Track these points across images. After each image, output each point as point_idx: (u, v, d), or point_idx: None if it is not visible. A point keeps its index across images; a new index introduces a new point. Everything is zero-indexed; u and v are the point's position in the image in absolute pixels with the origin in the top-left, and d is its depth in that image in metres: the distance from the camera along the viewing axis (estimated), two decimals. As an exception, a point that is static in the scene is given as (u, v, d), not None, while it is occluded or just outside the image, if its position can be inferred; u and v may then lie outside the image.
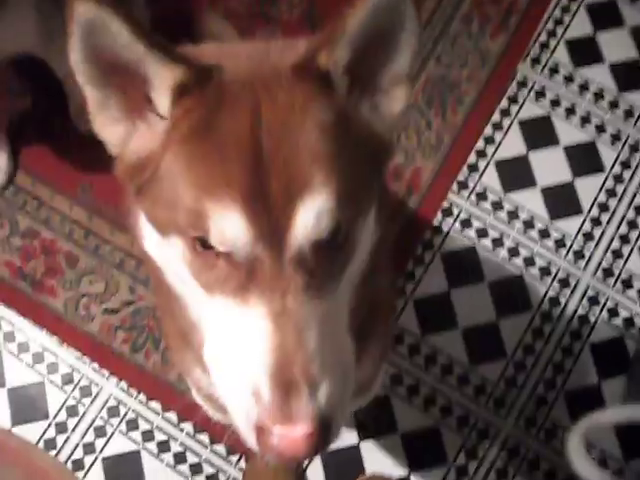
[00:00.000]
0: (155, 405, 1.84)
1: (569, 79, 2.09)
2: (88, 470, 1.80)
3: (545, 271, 1.94)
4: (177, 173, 0.65)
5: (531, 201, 1.99)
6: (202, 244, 0.64)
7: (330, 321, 0.66)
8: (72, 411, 1.84)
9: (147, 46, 0.64)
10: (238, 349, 0.65)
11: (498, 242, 1.96)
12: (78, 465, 1.80)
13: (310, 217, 0.62)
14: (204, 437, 1.82)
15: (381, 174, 0.76)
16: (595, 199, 2.00)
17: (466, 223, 1.97)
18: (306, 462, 1.81)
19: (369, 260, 0.74)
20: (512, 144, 2.04)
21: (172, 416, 1.83)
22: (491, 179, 2.01)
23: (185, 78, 0.66)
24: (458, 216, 1.97)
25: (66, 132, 2.00)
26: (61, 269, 1.93)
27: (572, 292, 1.93)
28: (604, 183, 2.01)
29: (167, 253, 0.70)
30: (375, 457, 1.82)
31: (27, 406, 1.84)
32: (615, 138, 2.04)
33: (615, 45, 2.11)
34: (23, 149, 2.01)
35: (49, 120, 2.03)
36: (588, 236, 1.97)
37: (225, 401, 0.69)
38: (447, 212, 1.98)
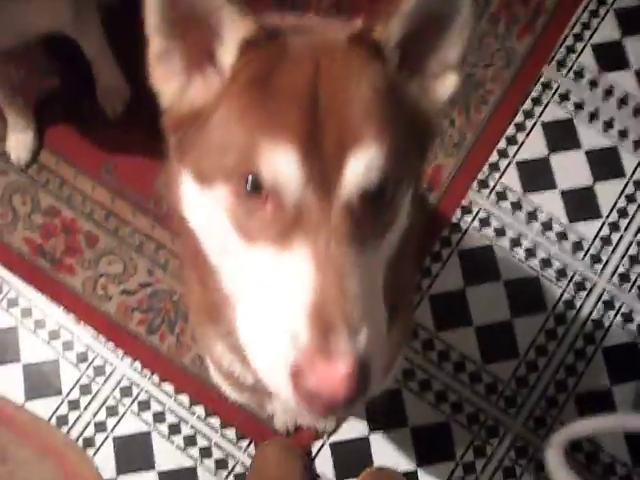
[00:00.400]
0: (168, 387, 1.85)
1: (594, 83, 2.09)
2: (99, 448, 1.82)
3: (561, 273, 1.95)
4: (232, 119, 0.67)
5: (550, 203, 2.00)
6: (250, 188, 0.65)
7: (370, 276, 0.66)
8: (85, 389, 1.85)
9: None
10: (277, 296, 0.64)
11: (516, 242, 1.96)
12: (89, 443, 1.82)
13: (360, 167, 0.64)
14: (215, 421, 1.83)
15: (424, 156, 0.78)
16: (614, 204, 2.00)
17: (485, 222, 1.98)
18: (315, 450, 1.82)
19: (402, 239, 0.75)
20: (534, 145, 2.04)
21: (184, 399, 1.84)
22: (511, 179, 2.01)
23: (255, 34, 0.68)
24: (477, 214, 1.98)
25: (92, 114, 2.03)
26: (80, 248, 1.94)
27: (587, 295, 1.93)
28: (624, 189, 2.01)
29: (208, 207, 0.70)
30: (384, 450, 1.83)
31: (41, 382, 1.86)
32: (637, 144, 2.04)
33: (642, 51, 2.11)
34: (49, 128, 2.03)
35: (76, 101, 2.05)
36: (606, 240, 1.97)
37: (258, 358, 0.66)
38: (466, 210, 1.98)
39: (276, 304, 0.64)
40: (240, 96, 0.68)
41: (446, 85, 0.75)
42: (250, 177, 0.65)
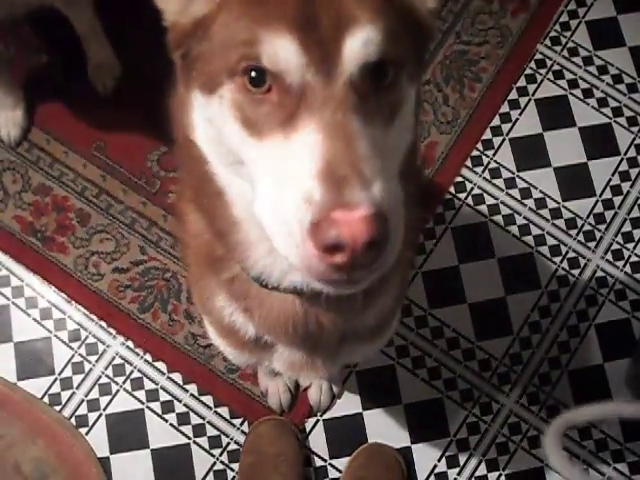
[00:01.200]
0: (161, 365, 1.84)
1: (588, 61, 2.08)
2: (92, 426, 1.81)
3: (555, 250, 1.94)
4: (232, 19, 0.70)
5: (544, 180, 1.99)
6: (252, 81, 0.68)
7: (380, 151, 0.66)
8: (78, 368, 1.84)
9: None
10: (289, 172, 0.65)
11: (510, 219, 1.96)
12: (82, 421, 1.81)
13: (358, 43, 0.66)
14: (208, 399, 1.83)
15: (422, 54, 0.80)
16: (608, 182, 2.00)
17: (479, 199, 1.97)
18: (309, 427, 1.82)
19: (408, 148, 0.77)
20: (528, 123, 2.04)
21: (177, 377, 1.84)
22: (505, 157, 2.01)
23: None
24: (471, 192, 1.97)
25: (82, 91, 2.00)
26: (72, 226, 1.93)
27: (581, 272, 1.94)
28: (618, 166, 2.01)
29: (215, 114, 0.72)
30: (378, 427, 1.83)
31: (33, 361, 1.85)
32: (632, 122, 2.04)
33: (636, 29, 2.11)
34: (39, 106, 2.01)
35: (66, 78, 2.03)
36: (599, 218, 1.97)
37: (276, 233, 0.66)
38: (460, 187, 1.98)
39: (289, 178, 0.64)
40: None
41: None
42: (252, 71, 0.67)
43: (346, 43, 0.66)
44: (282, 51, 0.65)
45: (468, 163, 1.99)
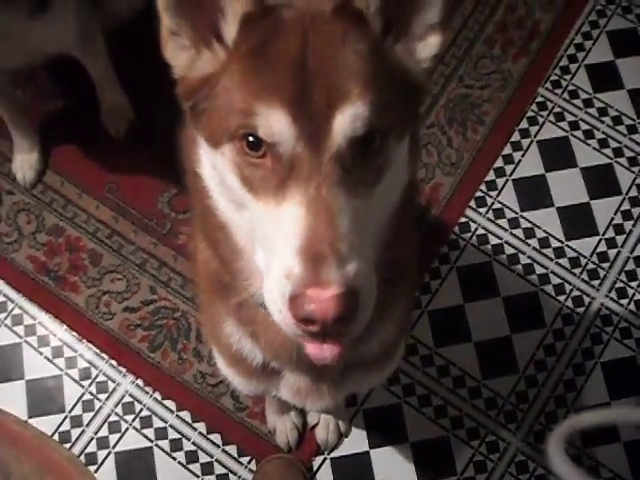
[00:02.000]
0: (170, 404, 1.86)
1: (589, 103, 2.13)
2: (101, 464, 1.82)
3: (560, 289, 1.97)
4: (233, 85, 0.75)
5: (548, 220, 2.03)
6: (250, 146, 0.73)
7: (361, 219, 0.72)
8: (88, 406, 1.87)
9: None
10: (276, 240, 0.71)
11: (514, 259, 1.99)
12: (91, 458, 1.83)
13: (346, 120, 0.71)
14: (216, 437, 1.84)
15: (414, 111, 0.85)
16: (611, 221, 2.03)
17: (483, 239, 2.00)
18: (316, 466, 1.83)
19: (401, 197, 0.82)
20: (530, 164, 2.08)
21: (186, 415, 1.85)
22: (509, 197, 2.05)
23: (253, 9, 0.76)
24: (475, 232, 2.01)
25: (96, 135, 2.07)
26: (84, 266, 1.97)
27: (585, 311, 1.95)
28: (620, 205, 2.04)
29: (218, 165, 0.78)
30: (385, 465, 1.83)
31: (44, 398, 1.87)
32: (632, 162, 2.08)
33: (634, 72, 2.16)
34: (54, 149, 2.07)
35: (80, 122, 2.10)
36: (603, 256, 2.00)
37: (266, 293, 0.73)
38: (465, 227, 2.01)
39: (275, 247, 0.71)
40: (240, 65, 0.75)
41: (429, 45, 0.81)
42: (250, 136, 0.73)
43: (335, 119, 0.71)
44: (276, 124, 0.71)
45: (472, 204, 2.03)
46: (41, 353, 1.91)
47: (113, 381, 1.88)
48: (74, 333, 1.91)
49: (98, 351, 1.90)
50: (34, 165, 2.02)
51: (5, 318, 1.93)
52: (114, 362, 1.89)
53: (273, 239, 0.72)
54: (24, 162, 2.02)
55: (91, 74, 1.92)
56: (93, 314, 1.93)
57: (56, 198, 2.03)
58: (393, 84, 0.77)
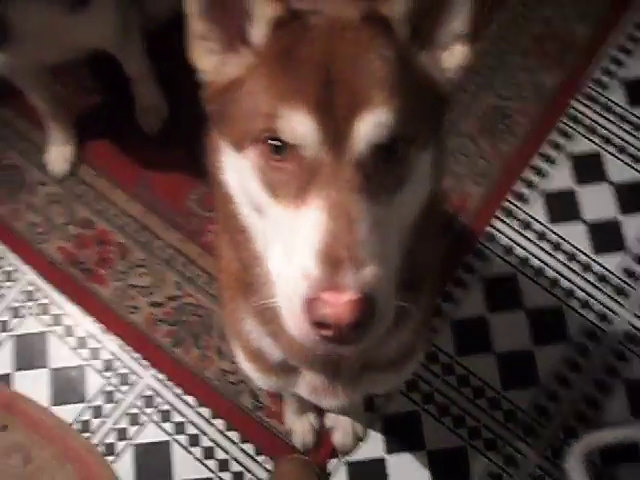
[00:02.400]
0: (190, 399, 1.88)
1: (622, 118, 2.11)
2: (119, 455, 1.85)
3: (585, 304, 1.95)
4: (259, 89, 0.76)
5: (575, 234, 2.01)
6: (273, 149, 0.74)
7: (382, 225, 0.72)
8: (109, 397, 1.89)
9: None
10: (296, 242, 0.71)
11: (540, 271, 1.98)
12: (110, 449, 1.85)
13: (369, 126, 0.72)
14: (234, 435, 1.85)
15: (439, 122, 0.85)
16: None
17: (509, 250, 1.99)
18: (331, 469, 1.83)
19: (424, 205, 0.82)
20: (561, 177, 2.07)
21: (205, 411, 1.87)
22: (537, 209, 2.04)
23: (282, 14, 0.77)
24: (502, 242, 2.00)
25: (130, 131, 2.10)
26: (112, 260, 2.00)
27: (610, 327, 1.93)
28: (650, 222, 2.02)
29: (241, 169, 0.79)
30: (400, 471, 1.83)
31: (67, 388, 1.90)
32: (664, 179, 2.06)
33: (671, 88, 2.14)
34: (88, 143, 2.11)
35: (115, 118, 2.13)
36: (630, 273, 1.97)
37: (280, 294, 0.73)
38: (491, 238, 2.00)
39: (294, 250, 0.71)
40: (266, 69, 0.76)
41: (455, 55, 0.82)
42: (273, 139, 0.73)
43: (358, 125, 0.72)
44: (300, 128, 0.72)
45: (499, 214, 2.03)
46: (66, 343, 1.94)
47: (135, 374, 1.91)
48: (99, 325, 1.94)
49: (122, 344, 1.93)
50: (68, 158, 2.06)
51: (32, 307, 1.96)
52: (137, 355, 1.92)
53: (291, 243, 0.72)
54: (58, 154, 2.06)
55: (127, 72, 1.95)
56: (119, 307, 1.96)
57: (88, 191, 2.06)
58: (418, 93, 0.77)
